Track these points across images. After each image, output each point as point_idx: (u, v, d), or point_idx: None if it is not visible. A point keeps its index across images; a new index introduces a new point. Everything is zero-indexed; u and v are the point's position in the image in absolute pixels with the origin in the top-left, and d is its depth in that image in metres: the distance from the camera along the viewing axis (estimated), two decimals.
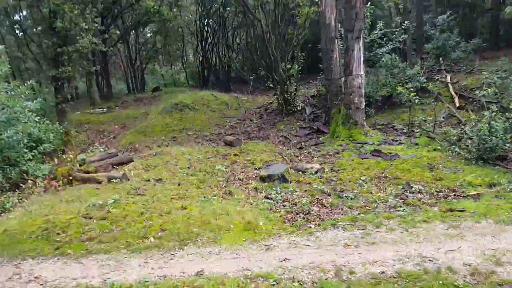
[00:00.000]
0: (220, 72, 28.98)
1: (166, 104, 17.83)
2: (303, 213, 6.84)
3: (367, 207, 6.95)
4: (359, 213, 6.64)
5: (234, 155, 10.95)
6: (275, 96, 17.49)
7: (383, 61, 13.54)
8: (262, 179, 8.67)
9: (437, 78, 14.31)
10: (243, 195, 7.88)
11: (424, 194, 7.31)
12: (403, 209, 6.65)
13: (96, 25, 15.12)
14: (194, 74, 36.30)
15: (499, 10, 22.19)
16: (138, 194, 7.56)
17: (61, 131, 12.99)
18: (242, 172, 9.56)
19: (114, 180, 8.31)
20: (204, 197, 7.59)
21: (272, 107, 17.00)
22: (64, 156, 12.77)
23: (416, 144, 10.14)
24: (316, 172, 8.99)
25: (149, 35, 38.31)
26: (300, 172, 9.16)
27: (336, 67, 11.61)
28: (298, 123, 14.40)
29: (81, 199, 7.34)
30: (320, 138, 12.04)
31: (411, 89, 10.84)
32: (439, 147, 9.68)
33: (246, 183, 8.76)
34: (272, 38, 16.22)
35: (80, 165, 10.30)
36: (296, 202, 7.31)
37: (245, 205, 7.27)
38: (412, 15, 19.05)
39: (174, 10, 28.08)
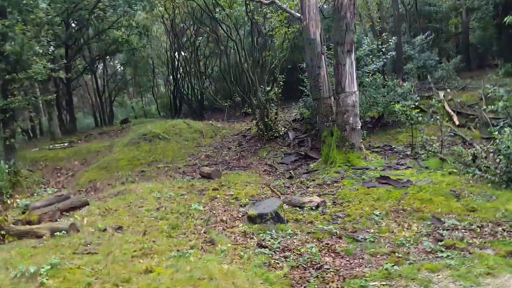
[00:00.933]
0: (193, 101, 27.17)
1: (133, 135, 15.68)
2: (314, 268, 4.90)
3: (396, 254, 5.10)
4: (389, 264, 4.76)
5: (213, 189, 8.93)
6: (254, 122, 15.79)
7: (367, 79, 12.22)
8: (251, 219, 6.69)
9: (427, 96, 13.13)
10: (229, 243, 5.84)
11: (463, 231, 5.57)
12: (447, 255, 4.85)
13: (52, 49, 13.05)
14: (165, 105, 34.30)
15: (468, 34, 22.21)
16: (87, 253, 5.36)
17: (6, 170, 10.60)
18: (225, 211, 7.54)
19: (58, 233, 6.06)
20: (178, 251, 5.49)
21: (251, 133, 15.23)
22: (10, 201, 10.37)
23: (426, 167, 8.56)
24: (317, 206, 7.13)
25: (118, 66, 36.33)
26: (297, 208, 7.26)
27: (325, 85, 10.09)
28: (282, 149, 12.65)
29: (9, 265, 5.07)
30: (311, 165, 10.29)
31: (410, 106, 9.38)
32: (454, 170, 8.12)
33: (231, 225, 6.73)
34: (248, 61, 14.72)
35: (23, 212, 7.95)
36: (301, 252, 5.37)
37: (234, 259, 5.24)
38: (388, 37, 18.15)
39: (144, 40, 26.44)
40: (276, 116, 14.03)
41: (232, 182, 9.46)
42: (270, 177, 10.02)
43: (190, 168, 12.52)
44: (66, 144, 18.11)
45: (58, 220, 7.17)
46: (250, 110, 19.76)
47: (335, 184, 8.42)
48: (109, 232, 6.49)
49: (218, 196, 8.46)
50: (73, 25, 21.97)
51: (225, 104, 20.41)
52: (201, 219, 7.08)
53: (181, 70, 27.95)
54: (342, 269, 4.84)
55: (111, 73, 34.12)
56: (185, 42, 26.79)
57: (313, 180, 8.98)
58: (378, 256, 5.18)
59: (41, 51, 11.52)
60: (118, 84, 33.50)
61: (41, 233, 6.09)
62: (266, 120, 13.67)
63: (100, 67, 32.50)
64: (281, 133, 13.60)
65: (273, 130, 13.72)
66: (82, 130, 31.64)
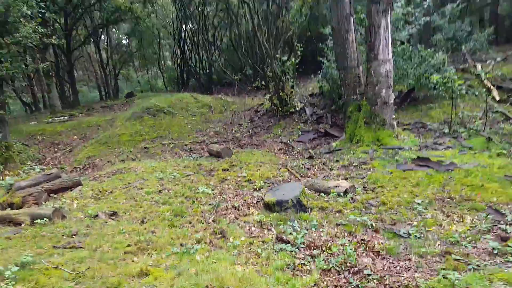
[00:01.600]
0: (201, 75, 25.97)
1: (136, 109, 14.69)
2: (350, 273, 3.93)
3: (452, 256, 4.10)
4: (447, 270, 3.76)
5: (223, 170, 7.97)
6: (267, 96, 14.65)
7: (398, 49, 10.89)
8: (268, 206, 5.74)
9: (462, 68, 11.78)
10: (243, 236, 4.90)
11: None
12: None
13: (42, 11, 11.90)
14: (172, 79, 33.19)
15: (497, 5, 20.49)
16: (71, 247, 4.48)
17: None
18: (237, 196, 6.58)
19: (40, 221, 5.17)
20: (182, 245, 4.56)
21: (264, 108, 14.12)
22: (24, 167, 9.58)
23: (470, 148, 7.42)
24: (345, 192, 6.12)
25: (122, 37, 35.06)
26: (321, 194, 6.27)
27: (353, 52, 8.85)
28: (298, 126, 11.55)
29: None
30: (333, 144, 9.21)
31: (451, 77, 8.14)
32: (503, 151, 6.99)
33: (244, 213, 5.78)
34: (262, 28, 13.42)
35: (8, 192, 7.10)
36: (331, 250, 4.40)
37: (249, 258, 4.30)
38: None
39: (149, 8, 25.02)
40: (292, 90, 12.85)
41: (244, 161, 8.47)
42: (287, 156, 9.00)
43: (198, 146, 11.56)
44: (66, 117, 17.24)
45: (44, 203, 6.29)
46: (263, 84, 18.53)
47: (363, 166, 7.36)
48: (101, 219, 5.61)
49: (229, 177, 7.49)
50: None
51: (236, 77, 19.19)
52: (210, 204, 6.16)
53: (189, 41, 26.61)
54: (386, 275, 3.86)
55: (115, 45, 32.90)
56: (193, 12, 25.32)
57: (337, 161, 7.93)
58: (428, 258, 4.19)
59: (29, 12, 10.38)
60: (122, 56, 32.32)
61: (20, 220, 5.21)
62: (281, 94, 12.52)
63: (104, 38, 31.25)
64: (297, 109, 12.47)
65: (289, 105, 12.59)
66: (86, 103, 30.87)
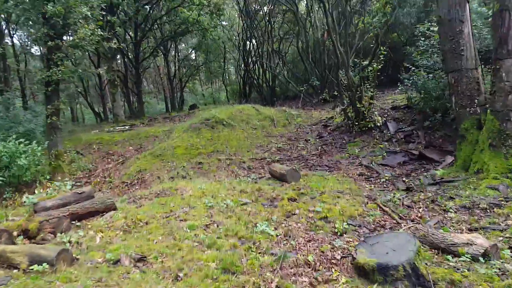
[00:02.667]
0: (264, 88, 24.52)
1: (195, 120, 13.40)
2: None
3: None
4: None
5: (289, 199, 6.01)
6: (338, 109, 12.53)
7: None
8: (363, 271, 3.64)
9: None
10: None
11: None
12: None
13: (103, 13, 11.16)
14: (235, 92, 32.38)
15: None
16: None
17: (39, 153, 8.88)
18: (310, 242, 4.57)
19: (37, 267, 3.64)
20: None
21: (335, 122, 11.96)
22: (41, 189, 8.63)
23: None
24: (484, 255, 3.79)
25: (190, 50, 35.18)
26: (442, 254, 4.00)
27: (469, 48, 6.45)
28: (380, 145, 9.22)
29: None
30: (436, 172, 6.77)
31: None
32: None
33: (324, 277, 3.74)
34: (336, 30, 11.40)
35: (35, 211, 5.86)
36: None
37: None
38: None
39: (216, 20, 24.37)
40: (371, 102, 10.57)
41: (315, 189, 6.43)
42: (372, 185, 6.76)
43: (257, 163, 9.76)
44: (126, 127, 16.66)
45: (62, 234, 4.84)
46: (331, 96, 16.41)
47: (496, 210, 4.91)
48: (123, 266, 3.94)
49: (297, 211, 5.51)
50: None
51: (301, 89, 17.31)
52: (272, 254, 4.23)
53: (253, 53, 25.42)
54: None
55: (182, 58, 33.04)
56: (259, 23, 24.14)
57: (451, 198, 5.54)
58: None
59: (89, 13, 9.53)
60: (189, 69, 32.29)
61: (15, 261, 3.73)
62: (358, 105, 10.30)
63: (172, 51, 31.48)
64: (377, 124, 10.13)
65: (367, 119, 10.31)
66: (151, 115, 31.13)
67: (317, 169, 8.33)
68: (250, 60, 25.39)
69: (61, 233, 4.87)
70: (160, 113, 31.46)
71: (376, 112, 10.50)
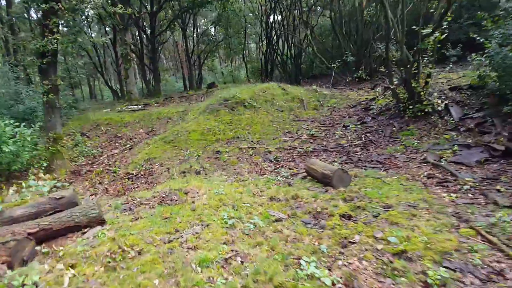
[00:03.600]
0: (289, 64, 22.39)
1: (212, 101, 11.64)
2: None
3: None
4: None
5: (342, 216, 4.23)
6: (381, 88, 10.52)
7: None
8: None
9: None
10: None
11: None
12: None
13: None
14: (255, 70, 30.31)
15: None
16: None
17: (29, 138, 7.38)
18: None
19: None
20: None
21: (378, 105, 9.94)
22: (30, 181, 7.12)
23: None
24: None
25: (209, 25, 33.03)
26: None
27: None
28: (445, 136, 7.21)
29: None
30: None
31: None
32: None
33: None
34: None
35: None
36: None
37: None
38: None
39: None
40: (428, 80, 8.46)
41: (375, 199, 4.61)
42: (451, 194, 4.86)
43: (286, 154, 7.97)
44: (140, 106, 15.11)
45: (25, 262, 3.27)
46: (368, 74, 14.18)
47: None
48: None
49: (357, 237, 3.73)
50: None
51: (333, 65, 15.17)
52: None
53: (277, 27, 23.15)
54: None
55: (201, 33, 31.01)
56: None
57: None
58: None
59: None
60: (208, 45, 30.29)
61: None
62: (413, 84, 8.23)
63: (191, 27, 29.48)
64: (437, 108, 8.07)
65: (424, 102, 8.24)
66: (168, 93, 29.63)
67: (366, 167, 6.46)
68: (273, 34, 23.17)
69: (22, 263, 3.29)
70: (178, 91, 29.92)
71: (435, 94, 8.40)
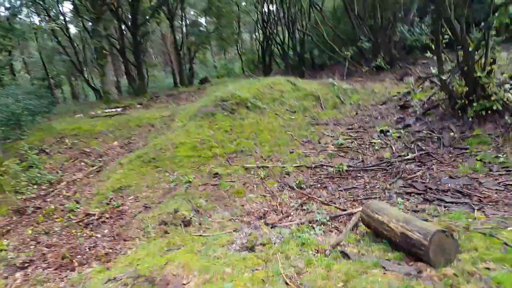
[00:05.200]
0: (290, 55, 20.07)
1: (206, 101, 9.34)
2: None
3: None
4: None
5: None
6: (411, 79, 8.41)
7: None
8: None
9: None
10: None
11: None
12: None
13: None
14: (251, 62, 27.95)
15: None
16: None
17: None
18: None
19: None
20: None
21: (416, 101, 7.73)
22: None
23: None
24: None
25: (201, 18, 30.47)
26: None
27: None
28: None
29: None
30: None
31: None
32: None
33: None
34: None
35: None
36: None
37: None
38: None
39: None
40: (492, 68, 6.27)
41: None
42: None
43: (312, 176, 5.75)
44: (119, 109, 12.77)
45: None
46: (388, 62, 11.86)
47: None
48: None
49: None
50: None
51: (347, 53, 12.90)
52: None
53: (275, 11, 20.75)
54: None
55: (191, 23, 28.49)
56: None
57: None
58: None
59: None
60: (198, 37, 27.76)
61: None
62: (478, 73, 6.02)
63: (178, 16, 26.95)
64: (509, 102, 5.89)
65: (491, 96, 6.05)
66: (157, 90, 27.19)
67: (444, 202, 4.24)
68: (271, 19, 20.80)
69: None
70: (167, 88, 27.52)
71: (507, 85, 6.20)
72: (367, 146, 6.56)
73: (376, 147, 6.38)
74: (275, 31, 20.83)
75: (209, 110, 8.56)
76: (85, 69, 27.63)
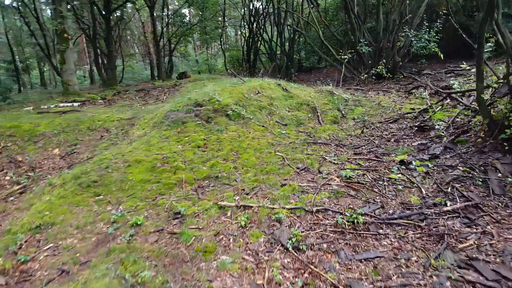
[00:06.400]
0: (278, 56, 18.29)
1: (178, 103, 7.41)
2: None
3: None
4: None
5: None
6: (426, 93, 6.87)
7: None
8: None
9: None
10: None
11: None
12: None
13: None
14: (235, 59, 26.06)
15: None
16: None
17: None
18: None
19: None
20: None
21: (432, 120, 6.11)
22: None
23: None
24: None
25: (184, 8, 28.23)
26: None
27: None
28: None
29: None
30: None
31: None
32: None
33: None
34: None
35: None
36: None
37: None
38: None
39: None
40: None
41: None
42: None
43: (314, 226, 3.97)
44: (76, 104, 10.65)
45: None
46: (390, 71, 10.28)
47: None
48: None
49: None
50: None
51: (344, 57, 11.23)
52: None
53: (263, 6, 18.92)
54: None
55: (172, 12, 26.22)
56: None
57: None
58: None
59: None
60: (180, 28, 25.54)
61: None
62: None
63: (160, 8, 24.69)
64: None
65: None
66: (131, 81, 24.86)
67: None
68: (259, 16, 18.94)
69: None
70: (143, 80, 25.26)
71: None
72: (385, 182, 4.84)
73: (399, 186, 4.67)
74: (262, 27, 19.01)
75: (179, 116, 6.63)
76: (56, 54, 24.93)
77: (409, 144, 5.91)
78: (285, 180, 5.07)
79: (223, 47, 27.25)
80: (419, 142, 5.78)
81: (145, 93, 12.48)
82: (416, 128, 6.36)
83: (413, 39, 10.48)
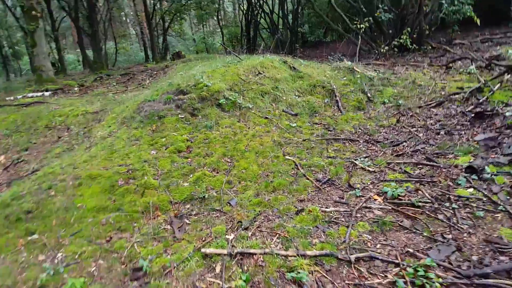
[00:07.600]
0: (280, 28, 16.32)
1: (154, 92, 5.70)
2: None
3: None
4: None
5: None
6: (498, 66, 5.03)
7: None
8: None
9: None
10: None
11: None
12: None
13: None
14: (234, 36, 24.01)
15: None
16: None
17: None
18: None
19: None
20: None
21: (491, 104, 4.40)
22: None
23: None
24: None
25: None
26: None
27: None
28: None
29: None
30: None
31: None
32: None
33: None
34: None
35: None
36: None
37: None
38: None
39: None
40: None
41: None
42: None
43: (362, 284, 2.37)
44: (47, 93, 9.01)
45: None
46: (416, 41, 8.43)
47: None
48: None
49: None
50: None
51: (361, 26, 9.34)
52: None
53: None
54: None
55: None
56: None
57: None
58: None
59: None
60: (173, 3, 23.33)
61: None
62: None
63: None
64: None
65: None
66: (125, 64, 23.04)
67: None
68: None
69: None
70: (136, 62, 23.44)
71: None
72: (453, 204, 3.19)
73: (476, 212, 3.02)
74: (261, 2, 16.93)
75: (156, 109, 4.97)
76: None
77: (469, 138, 4.23)
78: (301, 201, 3.45)
79: (220, 23, 25.11)
80: (485, 136, 4.09)
81: (130, 77, 10.76)
82: (472, 115, 4.65)
83: (443, 1, 8.57)
